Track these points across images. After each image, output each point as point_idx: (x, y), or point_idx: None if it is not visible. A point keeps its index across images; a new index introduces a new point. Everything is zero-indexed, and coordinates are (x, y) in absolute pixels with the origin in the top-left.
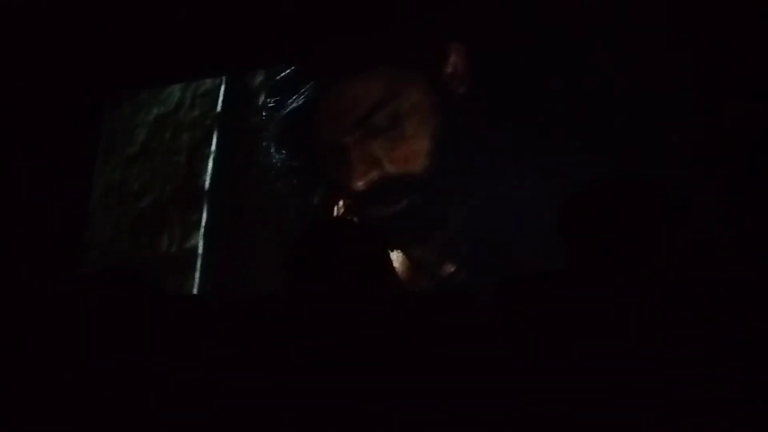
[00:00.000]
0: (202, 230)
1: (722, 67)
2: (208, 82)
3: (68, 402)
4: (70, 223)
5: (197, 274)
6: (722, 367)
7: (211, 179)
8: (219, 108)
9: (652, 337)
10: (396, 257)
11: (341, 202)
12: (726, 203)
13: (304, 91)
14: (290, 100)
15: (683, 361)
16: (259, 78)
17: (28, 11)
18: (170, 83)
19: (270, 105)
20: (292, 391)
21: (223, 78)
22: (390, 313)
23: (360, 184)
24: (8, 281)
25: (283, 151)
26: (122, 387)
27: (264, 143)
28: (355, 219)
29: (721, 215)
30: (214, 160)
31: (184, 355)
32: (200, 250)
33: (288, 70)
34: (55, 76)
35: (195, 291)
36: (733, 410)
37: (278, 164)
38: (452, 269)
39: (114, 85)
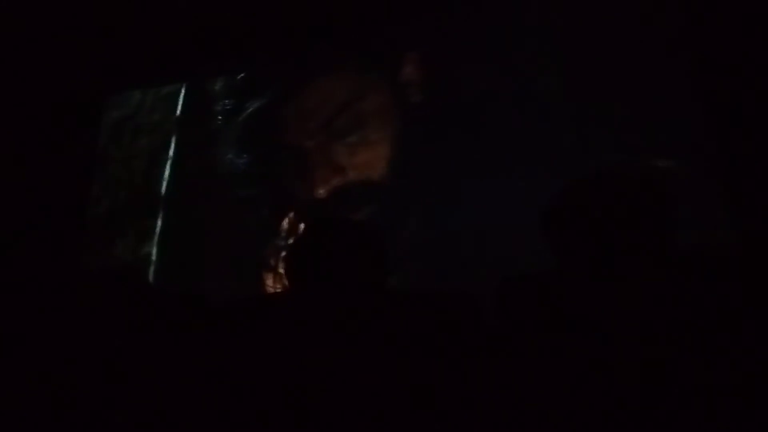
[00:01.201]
0: (156, 237)
1: (723, 66)
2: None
3: (67, 401)
4: (69, 221)
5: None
6: (721, 366)
7: (168, 185)
8: (178, 112)
9: (651, 336)
10: None
11: (298, 214)
12: (726, 203)
13: (265, 93)
14: (249, 103)
15: (685, 361)
16: (221, 82)
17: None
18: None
19: (227, 107)
20: (292, 390)
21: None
22: (390, 312)
23: (321, 192)
24: (7, 279)
25: (244, 156)
26: (121, 386)
27: (222, 148)
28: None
29: (721, 215)
30: (172, 165)
31: (183, 354)
32: (153, 257)
33: (246, 72)
34: (53, 76)
35: None
36: (731, 410)
37: (238, 171)
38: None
39: (112, 82)
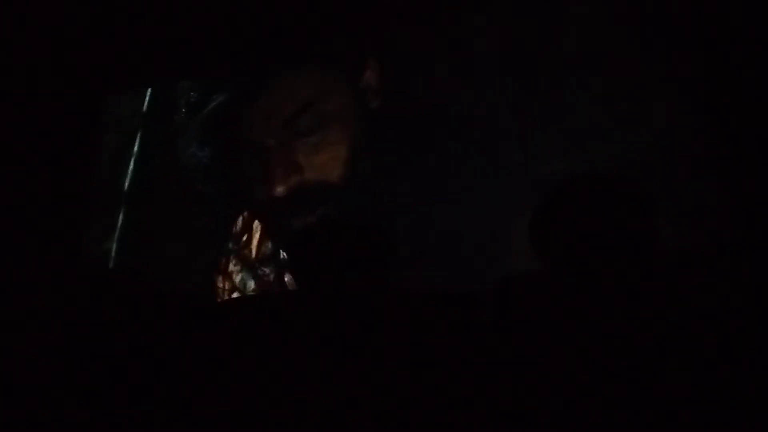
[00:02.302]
0: (117, 233)
1: (724, 66)
2: None
3: (68, 401)
4: (69, 221)
5: None
6: (721, 366)
7: (131, 181)
8: (145, 107)
9: (650, 336)
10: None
11: (253, 214)
12: (726, 203)
13: (229, 91)
14: (212, 99)
15: (685, 362)
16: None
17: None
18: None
19: (192, 101)
20: (293, 390)
21: None
22: (390, 313)
23: (279, 190)
24: (7, 280)
25: (206, 150)
26: (122, 386)
27: (184, 144)
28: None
29: (721, 215)
30: (136, 161)
31: (185, 354)
32: (113, 254)
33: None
34: (53, 74)
35: None
36: (729, 411)
37: (200, 166)
38: None
39: (113, 80)
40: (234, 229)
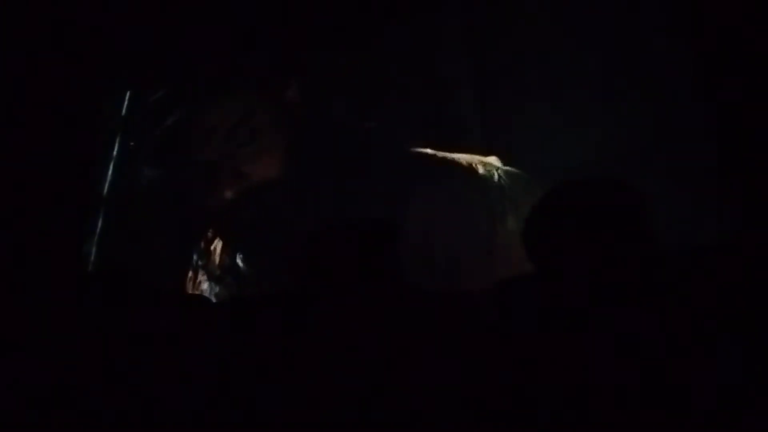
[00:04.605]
0: (96, 237)
1: (724, 64)
2: None
3: (68, 400)
4: (70, 222)
5: None
6: (722, 366)
7: (110, 185)
8: (124, 111)
9: (649, 336)
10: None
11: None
12: (727, 203)
13: (174, 112)
14: (162, 119)
15: (685, 362)
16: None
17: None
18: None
19: (143, 125)
20: (293, 388)
21: None
22: (390, 313)
23: (229, 195)
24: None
25: (160, 169)
26: (122, 386)
27: (143, 160)
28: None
29: (722, 215)
30: (115, 165)
31: (185, 354)
32: (92, 258)
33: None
34: (54, 74)
35: None
36: (728, 411)
37: (153, 185)
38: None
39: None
40: (198, 242)
